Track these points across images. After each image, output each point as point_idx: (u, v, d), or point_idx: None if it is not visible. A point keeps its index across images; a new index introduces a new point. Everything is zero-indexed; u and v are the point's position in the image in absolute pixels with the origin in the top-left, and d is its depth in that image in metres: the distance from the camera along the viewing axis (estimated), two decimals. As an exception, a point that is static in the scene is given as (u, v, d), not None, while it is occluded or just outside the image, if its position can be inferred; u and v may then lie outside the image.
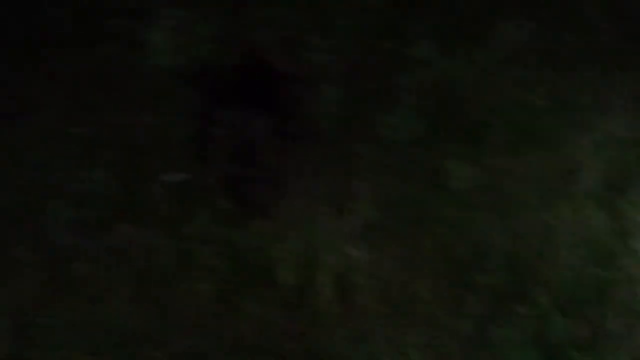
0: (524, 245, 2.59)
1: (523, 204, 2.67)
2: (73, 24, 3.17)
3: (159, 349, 2.24)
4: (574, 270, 2.43)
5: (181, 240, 2.52)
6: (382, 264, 2.52)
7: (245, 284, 2.42)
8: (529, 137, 2.87)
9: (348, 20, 3.15)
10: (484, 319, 2.32)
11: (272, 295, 2.39)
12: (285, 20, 3.12)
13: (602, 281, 2.39)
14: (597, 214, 2.59)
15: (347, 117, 2.83)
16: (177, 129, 2.84)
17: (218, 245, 2.50)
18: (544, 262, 2.49)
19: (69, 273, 2.44)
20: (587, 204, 2.63)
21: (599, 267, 2.43)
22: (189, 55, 3.00)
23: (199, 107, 2.77)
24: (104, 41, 3.10)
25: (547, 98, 2.92)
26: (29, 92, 2.96)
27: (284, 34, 3.05)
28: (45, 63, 3.01)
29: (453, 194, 2.72)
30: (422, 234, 2.59)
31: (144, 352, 2.24)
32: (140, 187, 2.70)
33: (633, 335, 2.27)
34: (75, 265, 2.46)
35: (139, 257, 2.48)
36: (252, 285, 2.42)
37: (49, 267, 2.46)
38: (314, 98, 2.82)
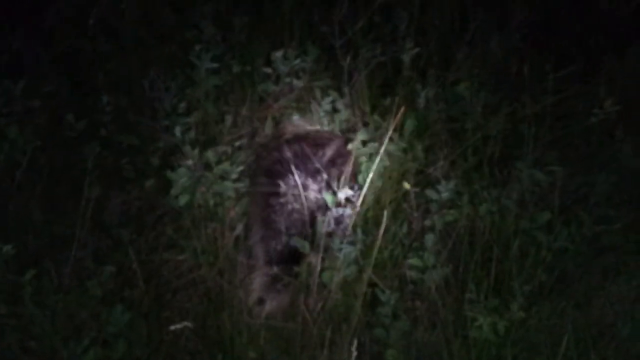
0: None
1: (552, 357, 2.59)
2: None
3: None
4: None
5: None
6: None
7: None
8: (556, 285, 2.80)
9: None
10: None
11: None
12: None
13: None
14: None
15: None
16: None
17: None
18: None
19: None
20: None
21: None
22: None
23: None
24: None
25: (575, 242, 2.85)
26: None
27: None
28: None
29: (477, 345, 2.65)
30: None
31: None
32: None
33: None
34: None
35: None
36: None
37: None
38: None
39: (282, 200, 2.91)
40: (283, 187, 2.92)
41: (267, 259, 2.90)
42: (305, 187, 2.92)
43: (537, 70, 3.30)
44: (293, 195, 2.91)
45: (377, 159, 2.80)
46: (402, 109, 2.85)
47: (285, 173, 2.94)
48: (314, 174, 2.95)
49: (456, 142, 3.19)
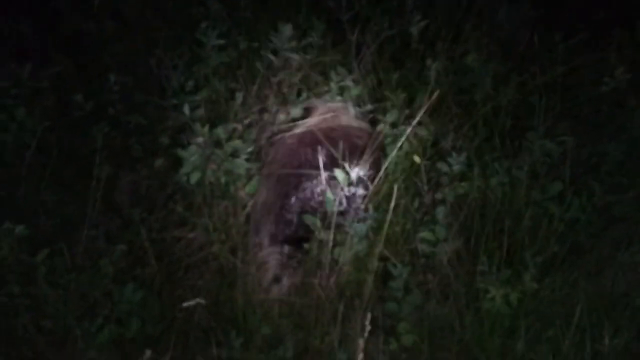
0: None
1: (566, 328, 2.58)
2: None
3: None
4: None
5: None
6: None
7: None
8: (568, 256, 2.79)
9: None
10: None
11: None
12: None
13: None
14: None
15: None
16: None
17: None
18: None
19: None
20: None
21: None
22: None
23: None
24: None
25: (587, 212, 2.83)
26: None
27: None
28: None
29: (490, 317, 2.65)
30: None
31: None
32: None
33: None
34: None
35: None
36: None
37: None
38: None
39: (301, 195, 2.87)
40: (306, 185, 2.88)
41: (275, 241, 2.89)
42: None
43: (547, 40, 3.27)
44: (312, 192, 2.88)
45: (403, 139, 2.81)
46: (437, 93, 2.84)
47: (312, 174, 2.88)
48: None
49: (466, 114, 3.16)
